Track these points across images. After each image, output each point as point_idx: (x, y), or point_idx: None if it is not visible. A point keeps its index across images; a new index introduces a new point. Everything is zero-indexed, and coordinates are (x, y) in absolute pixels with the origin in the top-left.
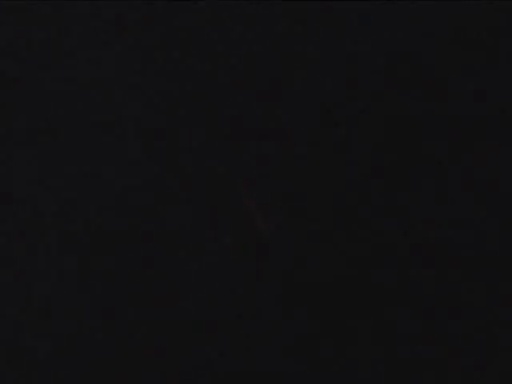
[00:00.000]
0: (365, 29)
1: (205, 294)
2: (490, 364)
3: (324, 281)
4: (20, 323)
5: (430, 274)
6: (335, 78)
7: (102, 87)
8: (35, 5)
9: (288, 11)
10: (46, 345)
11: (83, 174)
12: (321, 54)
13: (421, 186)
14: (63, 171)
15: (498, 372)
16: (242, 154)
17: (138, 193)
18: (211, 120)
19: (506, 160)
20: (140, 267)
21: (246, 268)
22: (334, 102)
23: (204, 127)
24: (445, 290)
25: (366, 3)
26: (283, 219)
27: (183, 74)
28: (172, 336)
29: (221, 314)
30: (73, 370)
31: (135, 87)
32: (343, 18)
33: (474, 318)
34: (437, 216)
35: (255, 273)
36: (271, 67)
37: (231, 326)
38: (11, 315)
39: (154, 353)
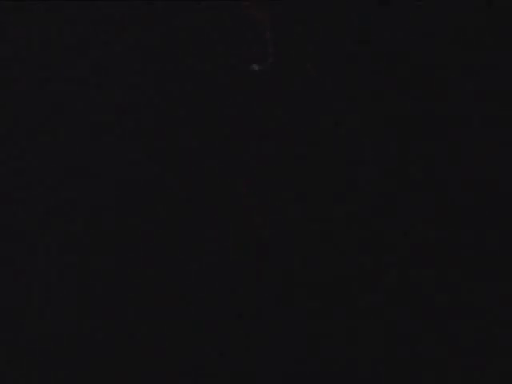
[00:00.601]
0: (365, 29)
1: (205, 294)
2: (490, 364)
3: (324, 281)
4: (20, 323)
5: (430, 273)
6: (335, 77)
7: (102, 87)
8: (35, 5)
9: (288, 11)
10: (46, 345)
11: (83, 173)
12: (321, 54)
13: (421, 186)
14: (63, 171)
15: (498, 372)
16: (242, 154)
17: (138, 193)
18: (211, 120)
19: (506, 160)
20: (140, 267)
21: (246, 268)
22: (334, 102)
23: (204, 127)
24: (445, 290)
25: (365, 3)
26: (283, 219)
27: (183, 74)
28: (172, 336)
29: (221, 314)
30: (73, 370)
31: (135, 87)
32: (343, 18)
33: (473, 317)
34: (437, 216)
35: (255, 273)
36: (271, 67)
37: (231, 326)
38: (11, 315)
39: (153, 353)
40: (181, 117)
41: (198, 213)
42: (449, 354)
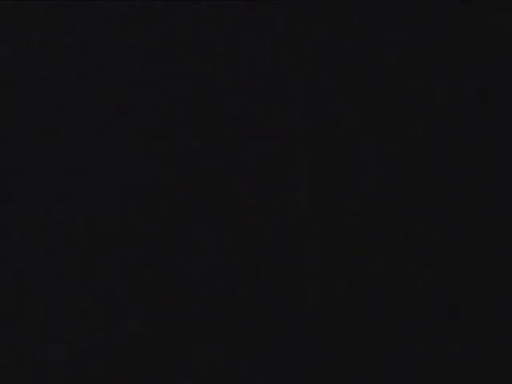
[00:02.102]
0: (365, 29)
1: (205, 294)
2: (490, 364)
3: (324, 281)
4: (20, 323)
5: (430, 273)
6: (335, 77)
7: (102, 87)
8: (35, 5)
9: (288, 11)
10: (46, 345)
11: (83, 173)
12: (321, 54)
13: (421, 185)
14: (63, 171)
15: (498, 372)
16: (242, 154)
17: (138, 193)
18: (211, 120)
19: (506, 160)
20: (140, 267)
21: (246, 268)
22: (334, 102)
23: (204, 127)
24: (445, 289)
25: (366, 3)
26: (283, 219)
27: (183, 74)
28: (172, 336)
29: (221, 314)
30: (73, 370)
31: (135, 87)
32: (343, 18)
33: (473, 317)
34: (437, 216)
35: (255, 273)
36: (271, 67)
37: (231, 326)
38: (11, 315)
39: (153, 353)
40: (181, 117)
41: (197, 213)
42: (449, 354)
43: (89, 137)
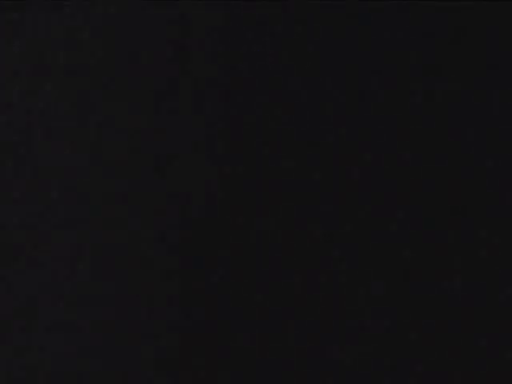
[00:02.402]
0: (365, 29)
1: (205, 294)
2: (490, 364)
3: (324, 281)
4: (20, 323)
5: (430, 274)
6: (335, 78)
7: (102, 87)
8: (35, 5)
9: (288, 11)
10: (46, 344)
11: (83, 174)
12: (321, 54)
13: (421, 185)
14: (62, 171)
15: (498, 372)
16: (243, 155)
17: (139, 193)
18: (211, 120)
19: (506, 160)
20: (141, 267)
21: (246, 268)
22: (334, 102)
23: (204, 127)
24: (445, 290)
25: (366, 3)
26: (283, 219)
27: (184, 74)
28: (173, 336)
29: (221, 313)
30: (73, 370)
31: (135, 87)
32: (343, 18)
33: (474, 319)
34: (437, 216)
35: (255, 273)
36: (271, 67)
37: (231, 326)
38: (11, 316)
39: (153, 353)
40: (181, 117)
41: (198, 213)
42: (449, 354)
43: (88, 137)
